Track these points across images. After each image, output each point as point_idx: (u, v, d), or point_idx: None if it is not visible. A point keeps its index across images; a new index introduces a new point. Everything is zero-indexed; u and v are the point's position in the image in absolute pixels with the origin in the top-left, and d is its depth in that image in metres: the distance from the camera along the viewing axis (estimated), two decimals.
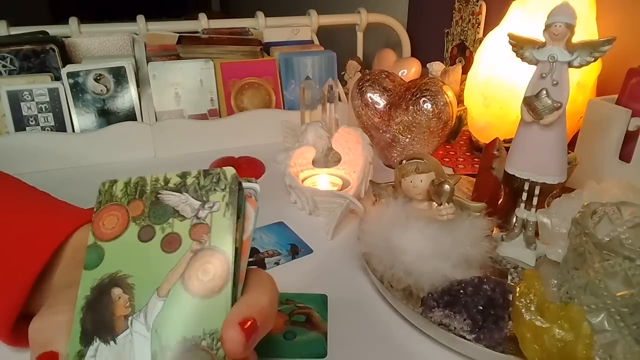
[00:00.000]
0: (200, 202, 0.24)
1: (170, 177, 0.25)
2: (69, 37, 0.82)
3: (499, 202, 0.52)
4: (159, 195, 0.25)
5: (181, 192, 0.24)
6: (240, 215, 0.25)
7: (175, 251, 0.23)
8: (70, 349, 0.22)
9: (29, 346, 0.23)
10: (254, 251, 0.50)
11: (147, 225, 0.24)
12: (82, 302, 0.22)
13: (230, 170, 0.25)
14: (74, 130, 0.72)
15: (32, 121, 0.70)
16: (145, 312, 0.22)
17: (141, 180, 0.25)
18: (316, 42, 0.97)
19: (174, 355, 0.21)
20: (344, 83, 1.00)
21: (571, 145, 0.55)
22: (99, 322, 0.22)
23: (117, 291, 0.23)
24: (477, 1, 0.91)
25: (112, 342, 0.22)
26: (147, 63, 0.77)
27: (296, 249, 0.50)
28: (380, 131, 0.68)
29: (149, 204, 0.24)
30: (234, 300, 0.23)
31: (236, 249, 0.23)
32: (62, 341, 0.22)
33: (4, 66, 0.72)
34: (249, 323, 0.22)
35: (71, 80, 0.71)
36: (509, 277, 0.44)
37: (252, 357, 0.24)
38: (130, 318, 0.22)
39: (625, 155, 0.53)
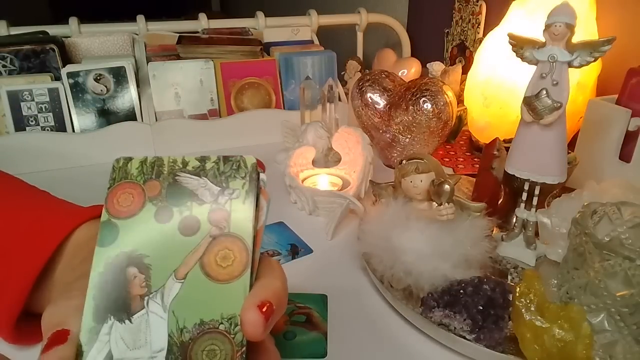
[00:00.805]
0: (219, 188, 0.24)
1: (189, 160, 0.25)
2: (69, 37, 0.82)
3: (499, 202, 0.52)
4: (177, 177, 0.24)
5: (200, 176, 0.24)
6: (256, 204, 0.25)
7: (194, 235, 0.23)
8: (82, 325, 0.22)
9: (41, 332, 0.23)
10: None
11: (164, 207, 0.24)
12: (95, 279, 0.22)
13: (250, 159, 0.25)
14: (74, 130, 0.73)
15: (32, 121, 0.70)
16: (162, 292, 0.22)
17: (158, 161, 0.25)
18: (316, 42, 0.97)
19: (192, 338, 0.22)
20: (344, 83, 1.00)
21: (571, 145, 0.55)
22: (114, 300, 0.22)
23: (132, 270, 0.23)
24: (477, 1, 0.91)
25: (127, 321, 0.22)
26: (147, 63, 0.77)
27: (296, 249, 0.50)
28: (380, 131, 0.68)
29: (166, 185, 0.24)
30: (250, 286, 0.23)
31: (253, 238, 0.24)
32: (75, 322, 0.22)
33: (4, 66, 0.72)
34: (267, 305, 0.22)
35: (71, 80, 0.71)
36: (509, 277, 0.44)
37: (269, 340, 0.25)
38: (146, 298, 0.22)
39: (625, 155, 0.53)
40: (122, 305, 0.22)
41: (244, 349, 0.22)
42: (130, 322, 0.22)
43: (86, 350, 0.21)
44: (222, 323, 0.22)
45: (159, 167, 0.25)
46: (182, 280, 0.23)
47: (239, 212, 0.24)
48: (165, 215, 0.24)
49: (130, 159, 0.25)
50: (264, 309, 0.22)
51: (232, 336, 0.22)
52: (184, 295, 0.23)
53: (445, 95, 0.62)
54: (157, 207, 0.24)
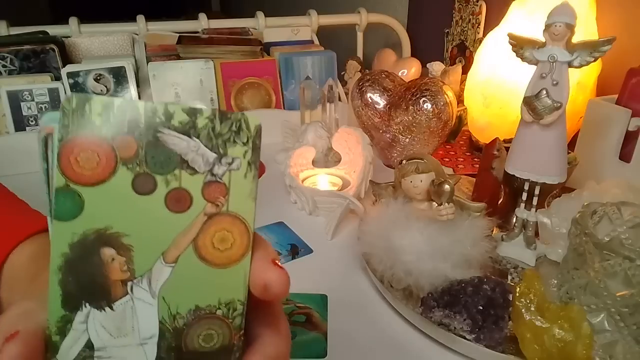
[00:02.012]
0: (215, 155, 0.20)
1: (174, 110, 0.19)
2: (69, 37, 0.82)
3: (499, 202, 0.52)
4: (159, 135, 0.19)
5: (190, 136, 0.19)
6: None
7: (185, 212, 0.20)
8: (50, 314, 0.19)
9: None
10: None
11: (143, 173, 0.19)
12: (58, 261, 0.19)
13: (254, 119, 0.20)
14: None
15: (32, 121, 0.70)
16: (149, 277, 0.20)
17: (130, 107, 0.19)
18: (316, 42, 0.97)
19: (186, 324, 0.20)
20: (344, 83, 1.00)
21: (571, 145, 0.55)
22: (88, 285, 0.19)
23: (108, 251, 0.19)
24: (477, 1, 0.91)
25: (107, 309, 0.19)
26: (147, 63, 0.77)
27: (296, 249, 0.50)
28: (380, 131, 0.68)
29: (144, 144, 0.19)
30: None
31: None
32: (25, 323, 0.19)
33: (4, 66, 0.72)
34: None
35: (71, 80, 0.71)
36: (509, 277, 0.44)
37: (279, 305, 0.23)
38: (129, 284, 0.19)
39: (625, 155, 0.53)
40: (99, 292, 0.19)
41: (242, 331, 0.21)
42: (112, 309, 0.19)
43: (58, 340, 0.19)
44: (219, 308, 0.20)
45: (132, 117, 0.19)
46: (173, 265, 0.20)
47: (239, 187, 0.20)
48: (146, 185, 0.19)
49: (89, 97, 0.19)
50: None
51: (231, 321, 0.21)
52: (175, 281, 0.20)
53: (445, 95, 0.62)
54: (134, 173, 0.19)
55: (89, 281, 0.19)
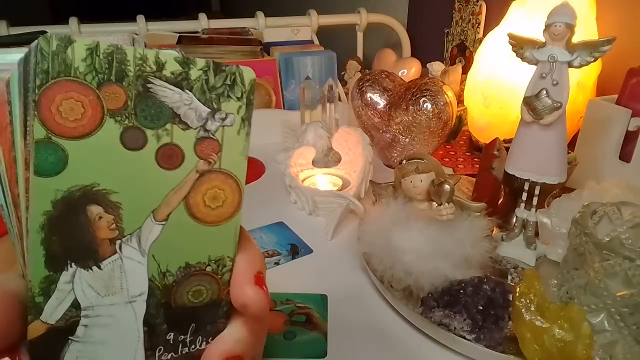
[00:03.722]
0: (209, 110, 0.19)
1: (166, 59, 0.18)
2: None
3: (499, 202, 0.52)
4: (150, 85, 0.18)
5: (183, 89, 0.18)
6: None
7: (177, 168, 0.19)
8: (32, 276, 0.18)
9: None
10: None
11: (133, 127, 0.18)
12: (40, 219, 0.17)
13: (249, 73, 0.20)
14: None
15: None
16: (139, 236, 0.19)
17: (118, 52, 0.17)
18: (316, 42, 0.97)
19: (176, 281, 0.20)
20: (344, 83, 1.00)
21: (571, 145, 0.55)
22: (74, 245, 0.18)
23: (95, 209, 0.18)
24: (477, 1, 0.91)
25: (95, 268, 0.19)
26: None
27: (296, 249, 0.50)
28: (380, 131, 0.68)
29: (134, 95, 0.18)
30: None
31: None
32: None
33: None
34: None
35: None
36: (509, 277, 0.44)
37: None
38: (118, 242, 0.19)
39: (625, 155, 0.53)
40: (86, 251, 0.18)
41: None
42: (99, 268, 0.19)
43: (42, 301, 0.18)
44: (209, 265, 0.20)
45: (120, 64, 0.17)
46: (164, 223, 0.19)
47: (232, 144, 0.20)
48: (135, 140, 0.18)
49: (71, 40, 0.17)
50: None
51: (220, 276, 0.21)
52: (166, 239, 0.19)
53: (445, 95, 0.62)
54: (123, 126, 0.18)
55: (74, 241, 0.18)
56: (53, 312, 0.18)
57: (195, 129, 0.19)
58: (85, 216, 0.18)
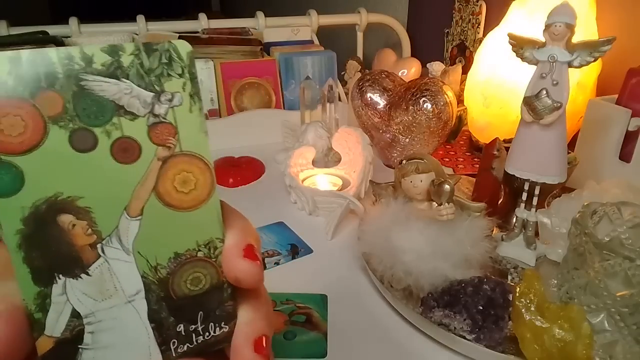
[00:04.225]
0: (152, 94, 0.18)
1: (92, 52, 0.17)
2: (69, 37, 0.82)
3: (499, 202, 0.52)
4: (83, 83, 0.17)
5: (119, 78, 0.18)
6: None
7: (136, 161, 0.18)
8: (24, 293, 0.18)
9: None
10: None
11: (79, 129, 0.17)
12: (15, 239, 0.17)
13: (184, 46, 0.19)
14: None
15: None
16: (119, 235, 0.19)
17: (41, 57, 0.17)
18: (316, 42, 0.97)
19: (170, 272, 0.20)
20: (344, 83, 1.00)
21: (571, 145, 0.55)
22: (55, 257, 0.18)
23: (66, 218, 0.18)
24: (477, 1, 0.91)
25: (83, 275, 0.18)
26: None
27: (296, 249, 0.50)
28: (380, 131, 0.68)
29: (70, 97, 0.17)
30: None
31: None
32: (5, 304, 0.18)
33: None
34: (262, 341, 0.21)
35: None
36: (509, 277, 0.44)
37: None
38: (99, 246, 0.19)
39: (625, 155, 0.53)
40: (70, 261, 0.18)
41: None
42: (88, 274, 0.19)
43: (41, 316, 0.18)
44: (199, 250, 0.20)
45: (47, 69, 0.17)
46: (139, 217, 0.19)
47: (187, 123, 0.19)
48: (85, 141, 0.18)
49: None
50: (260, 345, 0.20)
51: (214, 259, 0.20)
52: (146, 233, 0.19)
53: (445, 95, 0.62)
54: (69, 130, 0.17)
55: (54, 253, 0.18)
56: (55, 325, 0.18)
57: (144, 116, 0.18)
58: (57, 227, 0.18)
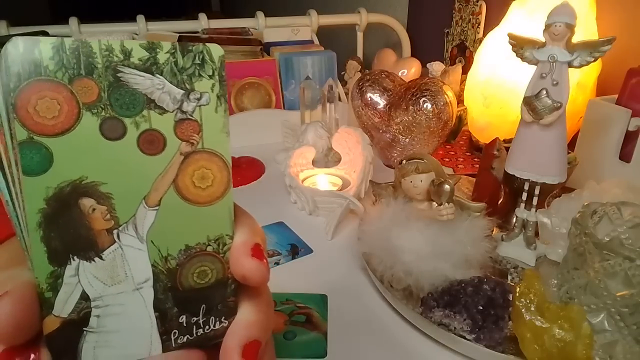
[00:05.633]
0: (182, 91, 0.19)
1: (131, 47, 0.18)
2: (69, 37, 0.82)
3: (499, 202, 0.52)
4: (119, 75, 0.18)
5: (153, 74, 0.19)
6: None
7: (160, 153, 0.19)
8: (38, 272, 0.18)
9: None
10: None
11: (110, 117, 0.18)
12: (36, 218, 0.18)
13: (217, 50, 0.20)
14: None
15: None
16: (135, 223, 0.19)
17: (83, 46, 0.18)
18: (316, 42, 0.97)
19: (179, 263, 0.20)
20: (344, 83, 1.00)
21: (571, 145, 0.55)
22: (72, 238, 0.19)
23: (87, 202, 0.18)
24: (477, 1, 0.91)
25: (97, 259, 0.19)
26: None
27: (296, 249, 0.50)
28: (380, 131, 0.68)
29: (106, 86, 0.18)
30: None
31: None
32: (14, 283, 0.18)
33: None
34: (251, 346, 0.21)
35: None
36: (509, 277, 0.44)
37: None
38: (115, 231, 0.19)
39: (625, 155, 0.53)
40: (86, 243, 0.19)
41: None
42: (101, 259, 0.19)
43: (51, 296, 0.19)
44: (209, 245, 0.21)
45: (87, 58, 0.18)
46: (156, 208, 0.20)
47: (212, 122, 0.20)
48: (115, 129, 0.18)
49: (37, 40, 0.17)
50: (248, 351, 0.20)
51: (222, 255, 0.21)
52: (161, 223, 0.20)
53: (445, 95, 0.62)
54: (101, 118, 0.18)
55: (72, 234, 0.19)
56: (64, 305, 0.19)
57: (172, 112, 0.19)
58: (78, 209, 0.18)
